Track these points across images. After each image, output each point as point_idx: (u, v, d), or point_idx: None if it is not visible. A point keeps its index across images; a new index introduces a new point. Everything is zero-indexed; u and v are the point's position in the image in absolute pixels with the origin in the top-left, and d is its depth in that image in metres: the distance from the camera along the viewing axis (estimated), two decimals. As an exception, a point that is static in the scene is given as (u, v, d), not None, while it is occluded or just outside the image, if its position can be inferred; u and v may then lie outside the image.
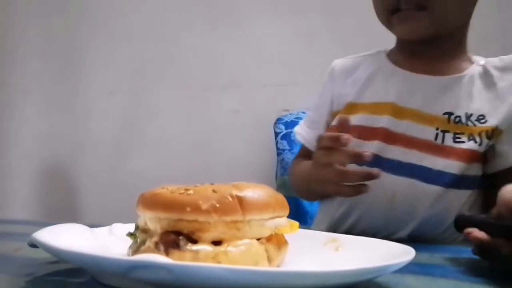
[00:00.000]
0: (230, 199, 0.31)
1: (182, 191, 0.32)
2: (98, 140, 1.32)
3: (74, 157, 1.33)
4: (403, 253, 0.33)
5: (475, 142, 0.55)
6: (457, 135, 0.55)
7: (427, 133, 0.56)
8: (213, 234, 0.31)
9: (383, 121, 0.58)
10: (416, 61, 0.60)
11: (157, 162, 1.26)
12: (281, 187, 1.08)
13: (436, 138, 0.55)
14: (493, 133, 0.55)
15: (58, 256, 0.31)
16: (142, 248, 0.32)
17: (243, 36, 1.21)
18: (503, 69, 0.58)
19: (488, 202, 0.58)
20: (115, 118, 1.31)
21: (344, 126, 0.53)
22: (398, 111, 0.58)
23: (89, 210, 1.32)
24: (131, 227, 0.37)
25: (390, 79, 0.61)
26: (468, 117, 0.56)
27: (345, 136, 0.47)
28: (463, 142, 0.55)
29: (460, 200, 0.57)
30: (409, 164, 0.56)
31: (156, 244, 0.32)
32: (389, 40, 0.65)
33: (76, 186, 1.33)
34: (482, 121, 0.56)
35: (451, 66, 0.60)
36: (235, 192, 0.31)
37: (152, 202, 0.33)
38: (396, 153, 0.57)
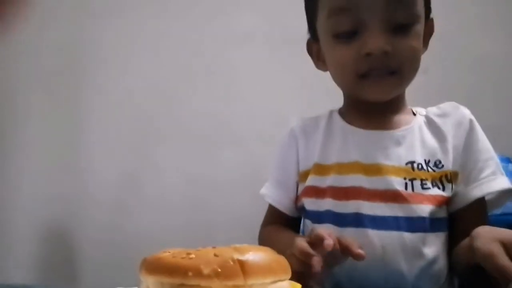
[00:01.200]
0: (232, 263, 0.31)
1: (184, 256, 0.32)
2: (98, 199, 1.31)
3: (74, 217, 1.32)
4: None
5: (438, 188, 0.58)
6: (423, 182, 0.58)
7: (397, 184, 0.58)
8: (215, 299, 0.31)
9: (354, 179, 0.60)
10: (368, 119, 0.63)
11: (158, 221, 1.25)
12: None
13: (406, 188, 0.58)
14: (451, 176, 0.59)
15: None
16: (144, 314, 0.32)
17: (244, 95, 1.25)
18: (443, 116, 0.63)
19: (451, 241, 0.61)
20: (115, 176, 1.32)
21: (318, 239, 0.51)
22: (364, 168, 0.60)
23: (89, 271, 1.29)
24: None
25: (349, 138, 0.63)
26: (427, 163, 0.59)
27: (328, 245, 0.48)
28: (429, 188, 0.58)
29: (444, 243, 0.60)
30: (389, 217, 0.58)
31: (158, 310, 0.31)
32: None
33: (76, 246, 1.31)
34: (440, 165, 0.59)
35: (400, 120, 0.63)
36: (237, 256, 0.32)
37: (154, 267, 0.33)
38: (374, 208, 0.58)
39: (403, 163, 0.59)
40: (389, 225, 0.58)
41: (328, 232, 0.51)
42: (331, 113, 0.69)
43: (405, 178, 0.58)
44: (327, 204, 0.61)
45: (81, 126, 1.37)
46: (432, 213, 0.58)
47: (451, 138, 0.61)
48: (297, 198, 0.68)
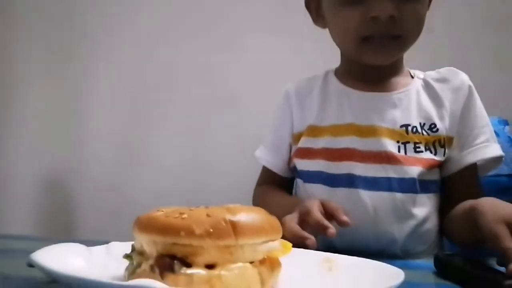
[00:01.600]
0: (224, 224, 0.32)
1: (177, 215, 0.33)
2: (97, 158, 1.32)
3: (73, 175, 1.33)
4: (393, 276, 0.34)
5: (431, 152, 0.59)
6: (416, 145, 0.59)
7: (391, 146, 0.59)
8: (207, 258, 0.31)
9: (348, 141, 0.61)
10: (365, 81, 0.63)
11: (155, 182, 1.26)
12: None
13: (399, 150, 0.59)
14: (445, 142, 0.60)
15: (55, 278, 0.32)
16: (138, 271, 0.33)
17: (242, 56, 1.22)
18: (442, 81, 0.63)
19: (443, 204, 0.63)
20: (114, 137, 1.31)
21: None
22: (359, 130, 0.61)
23: (87, 226, 1.31)
24: (127, 246, 0.37)
25: (345, 100, 0.63)
26: (422, 126, 0.60)
27: (331, 231, 0.49)
28: (422, 151, 0.59)
29: (434, 205, 0.61)
30: (382, 178, 0.59)
31: (152, 267, 0.32)
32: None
33: (74, 202, 1.33)
34: (434, 129, 0.60)
35: (397, 82, 0.64)
36: (229, 217, 0.32)
37: (147, 226, 0.33)
38: (367, 169, 0.59)
39: (397, 126, 0.60)
40: (380, 185, 0.59)
41: (316, 206, 0.51)
42: (326, 74, 0.68)
43: (398, 141, 0.59)
44: (319, 165, 0.62)
45: (82, 86, 1.36)
46: (423, 175, 0.59)
47: (448, 104, 0.61)
48: (290, 160, 0.69)
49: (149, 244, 0.33)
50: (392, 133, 0.60)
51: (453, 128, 0.61)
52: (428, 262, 0.49)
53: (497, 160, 0.62)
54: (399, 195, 0.59)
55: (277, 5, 1.20)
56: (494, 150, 0.61)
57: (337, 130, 0.62)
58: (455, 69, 0.65)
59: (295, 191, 0.71)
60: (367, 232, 0.59)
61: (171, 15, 1.28)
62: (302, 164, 0.65)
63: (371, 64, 0.62)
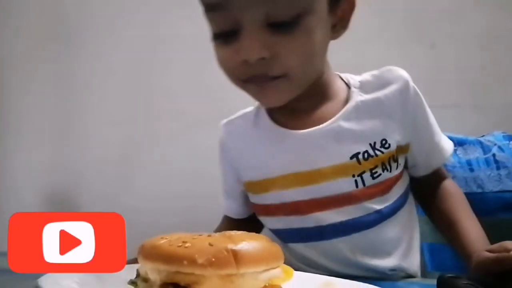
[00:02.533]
0: (225, 253, 0.32)
1: (180, 244, 0.34)
2: (97, 169, 1.33)
3: (74, 186, 1.35)
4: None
5: (388, 170, 0.54)
6: (373, 171, 0.53)
7: (346, 185, 0.53)
8: (209, 287, 0.32)
9: (296, 193, 0.54)
10: (297, 115, 0.56)
11: (158, 189, 1.27)
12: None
13: (357, 185, 0.53)
14: (398, 152, 0.55)
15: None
16: (142, 298, 0.34)
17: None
18: (382, 86, 0.55)
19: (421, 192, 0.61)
20: (114, 147, 1.33)
21: None
22: (307, 178, 0.54)
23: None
24: (133, 269, 0.38)
25: (283, 144, 0.55)
26: (374, 147, 0.53)
27: None
28: (380, 175, 0.53)
29: (405, 220, 0.59)
30: (347, 220, 0.54)
31: (156, 294, 0.33)
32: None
33: (74, 210, 1.35)
34: (386, 145, 0.54)
35: (332, 107, 0.56)
36: (230, 246, 0.33)
37: (151, 254, 0.34)
38: (332, 217, 0.54)
39: (347, 159, 0.53)
40: (349, 228, 0.54)
41: None
42: (258, 112, 0.60)
43: (353, 176, 0.52)
44: (284, 222, 0.56)
45: (81, 94, 1.37)
46: (388, 199, 0.55)
47: (395, 110, 0.54)
48: (246, 201, 0.64)
49: (153, 271, 0.34)
50: (343, 170, 0.53)
51: (406, 135, 0.55)
52: (431, 284, 0.49)
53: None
54: (369, 231, 0.55)
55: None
56: (449, 142, 0.60)
57: (283, 182, 0.55)
58: (392, 68, 0.57)
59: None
60: (357, 271, 0.56)
61: (167, 20, 1.29)
62: (268, 222, 0.59)
63: (265, 106, 0.56)
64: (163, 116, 1.30)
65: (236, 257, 0.33)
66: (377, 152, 0.53)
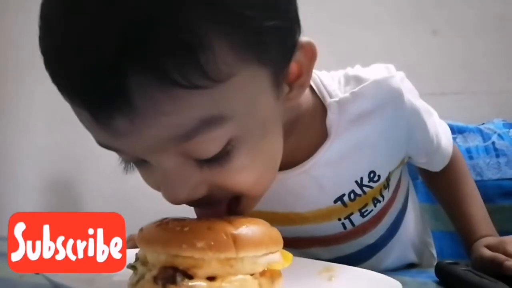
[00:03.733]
0: (224, 237, 0.32)
1: (179, 228, 0.34)
2: (101, 154, 1.33)
3: (78, 171, 1.35)
4: (392, 287, 0.35)
5: (380, 202, 0.49)
6: (362, 210, 0.48)
7: (334, 227, 0.48)
8: (208, 271, 0.32)
9: (282, 230, 0.38)
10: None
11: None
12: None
13: (345, 227, 0.49)
14: (389, 176, 0.50)
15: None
16: (141, 282, 0.34)
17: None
18: (367, 109, 0.44)
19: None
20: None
21: None
22: (286, 219, 0.48)
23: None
24: (131, 253, 0.38)
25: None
26: (360, 184, 0.46)
27: None
28: (371, 210, 0.49)
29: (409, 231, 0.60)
30: (337, 258, 0.51)
31: (155, 278, 0.33)
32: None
33: (79, 199, 1.35)
34: (375, 178, 0.46)
35: (306, 137, 0.45)
36: (230, 230, 0.33)
37: (150, 238, 0.34)
38: (321, 253, 0.51)
39: (331, 203, 0.46)
40: (343, 262, 0.45)
41: None
42: None
43: (339, 219, 0.48)
44: None
45: None
46: (379, 232, 0.53)
47: (386, 138, 0.45)
48: None
49: (152, 255, 0.34)
50: (326, 214, 0.47)
51: (399, 157, 0.49)
52: (430, 271, 0.49)
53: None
54: (367, 264, 0.53)
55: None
56: (447, 142, 0.54)
57: (264, 216, 0.38)
58: (380, 80, 0.44)
59: None
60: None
61: None
62: None
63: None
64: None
65: (236, 241, 0.32)
66: (366, 189, 0.46)
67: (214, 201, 0.37)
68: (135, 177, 1.33)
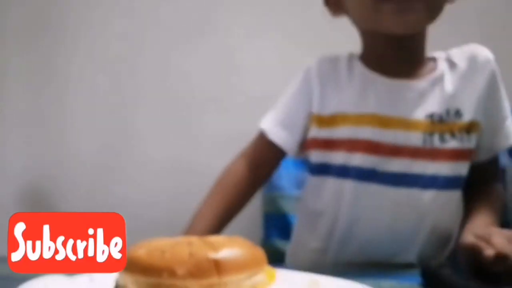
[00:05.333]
0: (206, 262, 0.32)
1: (159, 254, 0.33)
2: (79, 161, 1.30)
3: (54, 179, 1.31)
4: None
5: (456, 139, 0.57)
6: (442, 134, 0.57)
7: (415, 139, 0.57)
8: (191, 298, 0.31)
9: (370, 132, 0.58)
10: (390, 66, 0.60)
11: (141, 186, 1.25)
12: (267, 204, 1.09)
13: (425, 143, 0.57)
14: (471, 128, 0.58)
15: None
16: (122, 311, 0.33)
17: (224, 56, 1.22)
18: (466, 61, 0.60)
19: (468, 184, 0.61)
20: (95, 139, 1.30)
21: None
22: (382, 121, 0.58)
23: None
24: (111, 278, 0.37)
25: (369, 87, 0.60)
26: (447, 114, 0.57)
27: None
28: (449, 141, 0.57)
29: (457, 203, 0.61)
30: (404, 173, 0.57)
31: (136, 307, 0.32)
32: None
33: (56, 209, 1.32)
34: (460, 116, 0.57)
35: (422, 68, 0.61)
36: (211, 255, 0.32)
37: (130, 266, 0.33)
38: (389, 164, 0.57)
39: (422, 116, 0.57)
40: (402, 181, 0.57)
41: None
42: (350, 57, 0.63)
43: (424, 133, 0.57)
44: (343, 157, 0.59)
45: (62, 89, 1.33)
46: (449, 169, 0.57)
47: (474, 85, 0.58)
48: (303, 143, 0.64)
49: (133, 284, 0.33)
50: (417, 124, 0.57)
51: (478, 112, 0.58)
52: (416, 274, 0.49)
53: None
54: (422, 193, 0.57)
55: (262, 5, 1.19)
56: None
57: (359, 119, 0.59)
58: (479, 46, 0.61)
59: (303, 192, 0.68)
60: (386, 232, 0.58)
61: (154, 20, 1.26)
62: (320, 156, 0.61)
63: (390, 32, 0.56)
64: (145, 109, 1.28)
65: (218, 266, 0.32)
66: (449, 120, 0.57)
67: None
68: (112, 184, 1.30)
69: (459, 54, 0.61)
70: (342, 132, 0.59)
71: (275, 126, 0.64)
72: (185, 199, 1.25)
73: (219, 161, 1.20)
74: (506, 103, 0.61)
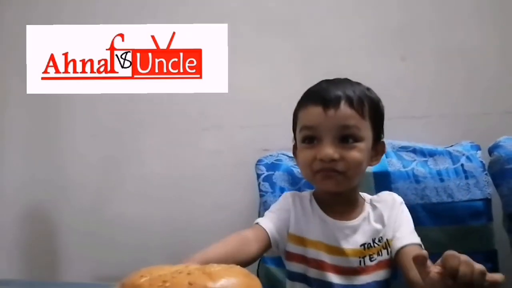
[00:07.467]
0: (205, 292, 0.33)
1: (160, 284, 0.34)
2: (79, 184, 1.31)
3: (55, 202, 1.32)
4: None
5: (380, 255, 0.79)
6: (371, 256, 0.78)
7: (354, 262, 0.77)
8: (190, 326, 0.33)
9: (324, 256, 0.78)
10: (334, 209, 0.81)
11: (140, 206, 1.26)
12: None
13: (360, 264, 0.77)
14: (387, 245, 0.79)
15: None
16: (124, 338, 0.35)
17: (227, 81, 1.24)
18: (381, 202, 0.83)
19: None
20: (96, 161, 1.32)
21: None
22: (332, 250, 0.78)
23: (69, 256, 1.31)
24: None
25: (322, 222, 0.81)
26: (373, 241, 0.79)
27: None
28: (375, 259, 0.78)
29: None
30: (350, 285, 0.77)
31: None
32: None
33: (57, 231, 1.32)
34: (381, 240, 0.79)
35: (355, 211, 0.82)
36: (210, 285, 0.34)
37: (132, 295, 0.35)
38: (339, 278, 0.77)
39: (358, 246, 0.78)
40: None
41: None
42: (311, 196, 0.85)
43: (359, 257, 0.78)
44: (301, 268, 0.80)
45: (62, 109, 1.35)
46: (379, 277, 0.78)
47: (387, 219, 0.81)
48: (285, 253, 0.82)
49: (134, 311, 0.35)
50: (354, 253, 0.78)
51: (390, 234, 0.80)
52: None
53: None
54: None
55: (263, 32, 1.23)
56: (416, 238, 0.79)
57: (316, 245, 0.79)
58: (390, 192, 0.87)
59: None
60: None
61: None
62: (291, 266, 0.81)
63: (323, 190, 0.81)
64: (146, 130, 1.30)
65: (216, 296, 0.33)
66: (375, 245, 0.79)
67: (330, 170, 0.75)
68: (113, 206, 1.31)
69: (377, 199, 0.84)
70: (304, 251, 0.80)
71: (267, 222, 0.81)
72: (183, 221, 1.27)
73: (217, 185, 1.23)
74: (408, 222, 0.81)
